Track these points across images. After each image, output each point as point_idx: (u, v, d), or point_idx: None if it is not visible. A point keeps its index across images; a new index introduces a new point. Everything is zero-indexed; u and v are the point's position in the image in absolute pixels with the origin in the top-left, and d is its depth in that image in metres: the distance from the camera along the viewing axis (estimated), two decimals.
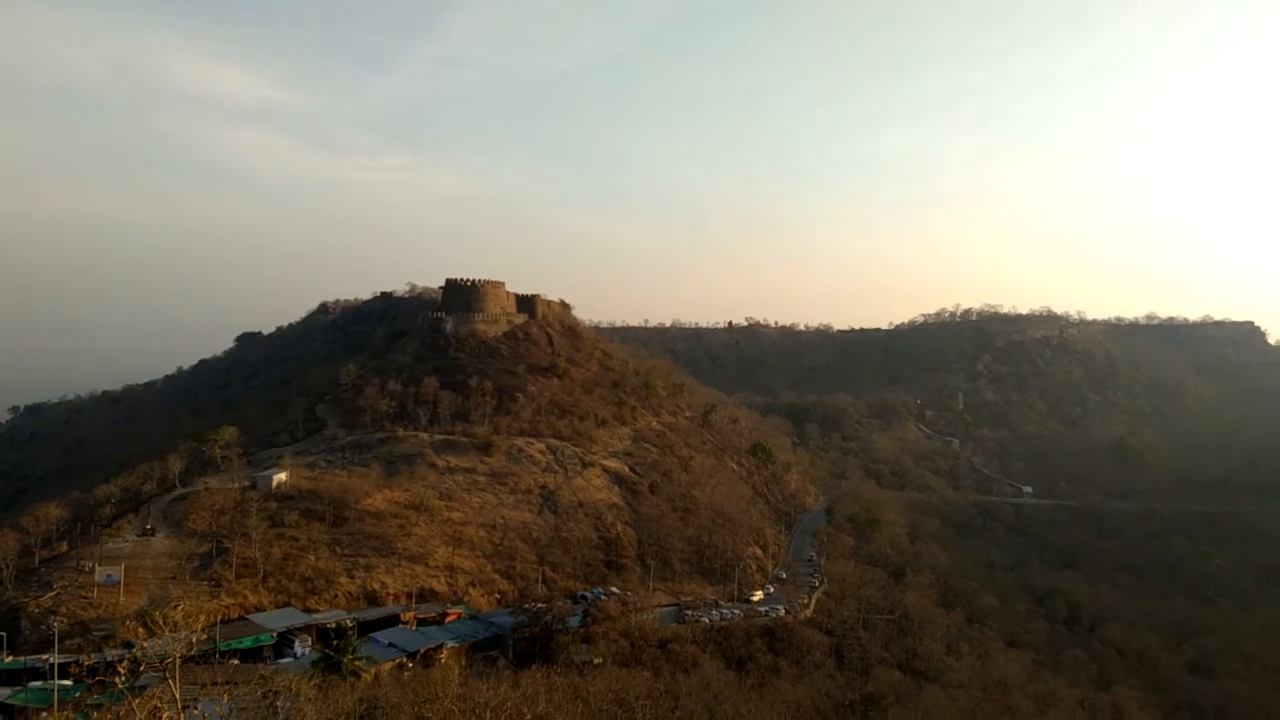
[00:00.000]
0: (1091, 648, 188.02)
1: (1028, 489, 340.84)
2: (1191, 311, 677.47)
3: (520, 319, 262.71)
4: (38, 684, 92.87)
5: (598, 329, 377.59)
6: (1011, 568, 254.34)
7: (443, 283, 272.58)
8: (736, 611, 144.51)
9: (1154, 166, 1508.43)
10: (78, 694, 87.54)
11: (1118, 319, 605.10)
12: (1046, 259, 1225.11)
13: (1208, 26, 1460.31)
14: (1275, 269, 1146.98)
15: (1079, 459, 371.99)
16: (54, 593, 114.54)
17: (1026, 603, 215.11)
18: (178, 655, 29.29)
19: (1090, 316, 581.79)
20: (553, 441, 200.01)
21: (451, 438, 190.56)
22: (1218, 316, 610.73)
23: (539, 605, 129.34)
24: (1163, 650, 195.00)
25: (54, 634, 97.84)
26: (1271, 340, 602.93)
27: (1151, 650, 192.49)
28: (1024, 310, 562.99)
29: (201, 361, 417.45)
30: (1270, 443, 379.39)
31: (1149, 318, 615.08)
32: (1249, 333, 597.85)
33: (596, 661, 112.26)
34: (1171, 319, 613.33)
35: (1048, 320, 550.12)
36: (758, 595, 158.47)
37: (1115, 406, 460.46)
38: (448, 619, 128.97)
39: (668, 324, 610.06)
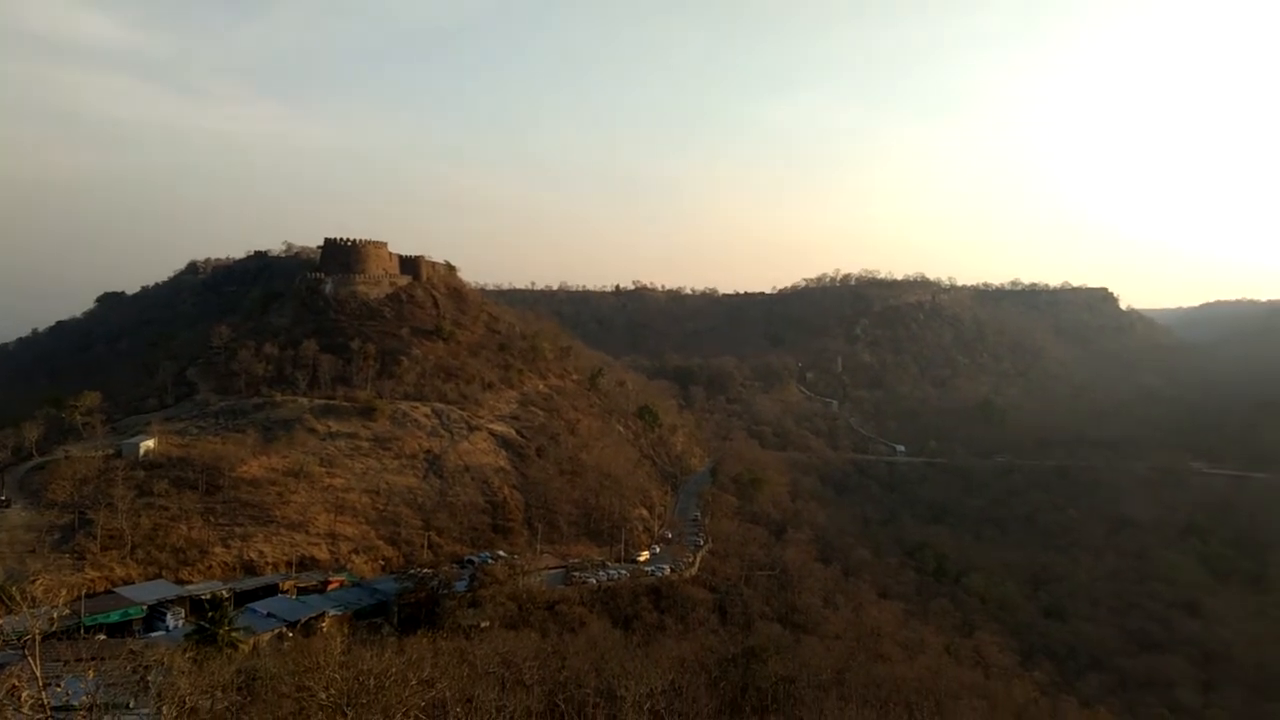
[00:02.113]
0: (957, 597, 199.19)
1: (901, 448, 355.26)
2: (1052, 278, 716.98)
3: (404, 281, 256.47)
4: None
5: (484, 291, 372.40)
6: (885, 523, 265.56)
7: (321, 242, 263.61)
8: (623, 572, 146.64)
9: (1019, 139, 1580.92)
10: None
11: (985, 285, 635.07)
12: (922, 226, 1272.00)
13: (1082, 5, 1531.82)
14: (1128, 239, 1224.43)
15: (948, 418, 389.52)
16: None
17: (898, 556, 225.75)
18: (37, 631, 27.90)
19: (960, 282, 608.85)
20: (438, 405, 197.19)
21: (332, 402, 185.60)
22: (1075, 283, 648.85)
23: (424, 571, 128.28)
24: (1021, 597, 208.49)
25: None
26: (1123, 306, 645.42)
27: (1011, 597, 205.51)
28: (899, 276, 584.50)
29: (59, 323, 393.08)
30: (1118, 401, 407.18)
31: (1014, 284, 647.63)
32: (1103, 299, 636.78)
33: (484, 625, 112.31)
34: (1034, 285, 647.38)
35: (921, 286, 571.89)
36: (644, 555, 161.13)
37: (982, 368, 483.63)
38: (329, 587, 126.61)
39: (555, 287, 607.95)
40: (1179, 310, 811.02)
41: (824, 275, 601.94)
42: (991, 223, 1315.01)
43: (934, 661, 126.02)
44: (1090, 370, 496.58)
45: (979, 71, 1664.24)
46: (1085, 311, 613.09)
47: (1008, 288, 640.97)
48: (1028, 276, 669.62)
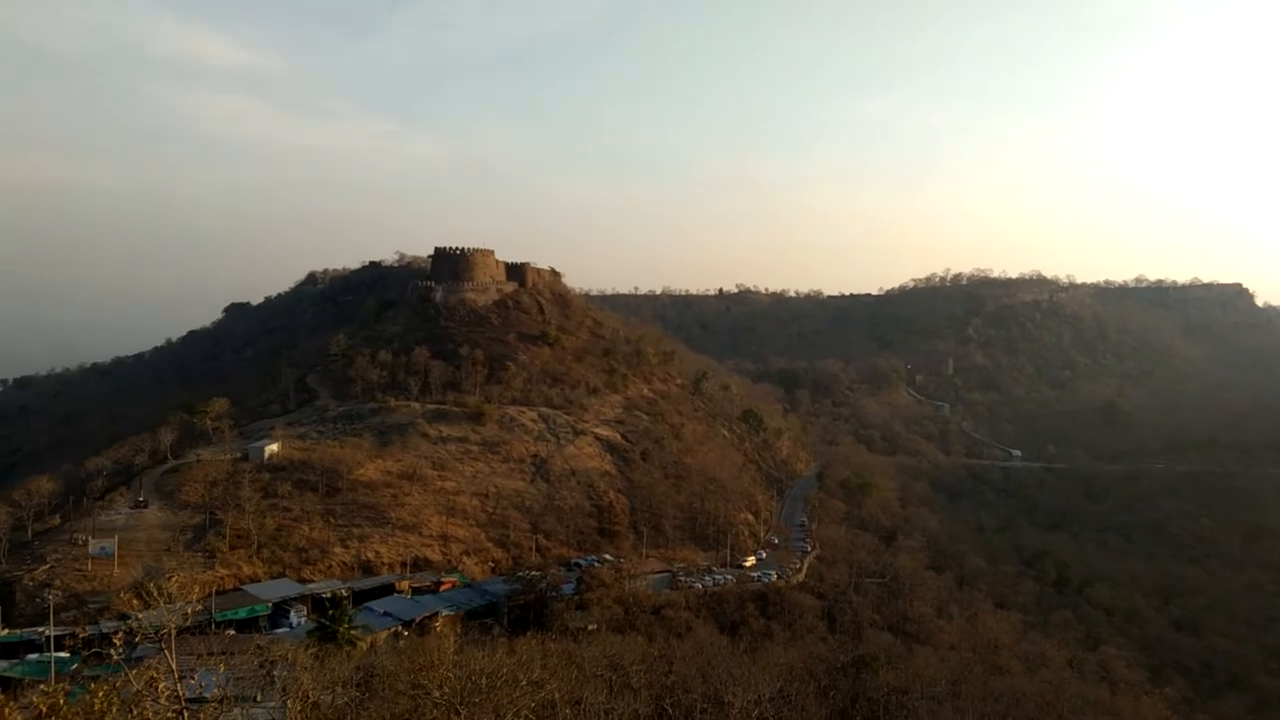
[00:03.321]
0: (1079, 608, 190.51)
1: (1017, 452, 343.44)
2: (1180, 274, 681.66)
3: (510, 287, 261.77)
4: (34, 656, 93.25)
5: (588, 297, 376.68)
6: (1001, 530, 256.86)
7: (431, 251, 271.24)
8: (729, 577, 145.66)
9: (1145, 129, 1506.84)
10: (74, 666, 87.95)
11: (1107, 282, 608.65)
12: (1037, 223, 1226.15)
13: None
14: (1264, 232, 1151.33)
15: (1068, 421, 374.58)
16: (48, 566, 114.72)
17: (1015, 565, 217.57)
18: (173, 626, 29.38)
19: (1080, 280, 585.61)
20: (544, 410, 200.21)
21: (443, 407, 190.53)
22: (1206, 279, 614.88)
23: (533, 573, 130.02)
24: (1149, 610, 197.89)
25: (49, 607, 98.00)
26: (1259, 302, 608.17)
27: (1139, 610, 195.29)
28: (1014, 274, 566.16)
29: (190, 332, 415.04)
30: (1256, 402, 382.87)
31: (1138, 280, 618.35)
32: (1237, 294, 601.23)
33: (591, 628, 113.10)
34: (1160, 282, 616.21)
35: (1037, 284, 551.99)
36: (750, 561, 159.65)
37: (1104, 369, 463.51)
38: (442, 587, 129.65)
39: (658, 291, 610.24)
40: None
41: (933, 275, 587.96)
42: (1112, 218, 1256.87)
43: (1056, 676, 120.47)
44: (1224, 370, 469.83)
45: (1090, 62, 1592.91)
46: (1217, 308, 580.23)
47: (1131, 285, 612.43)
48: (1153, 273, 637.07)
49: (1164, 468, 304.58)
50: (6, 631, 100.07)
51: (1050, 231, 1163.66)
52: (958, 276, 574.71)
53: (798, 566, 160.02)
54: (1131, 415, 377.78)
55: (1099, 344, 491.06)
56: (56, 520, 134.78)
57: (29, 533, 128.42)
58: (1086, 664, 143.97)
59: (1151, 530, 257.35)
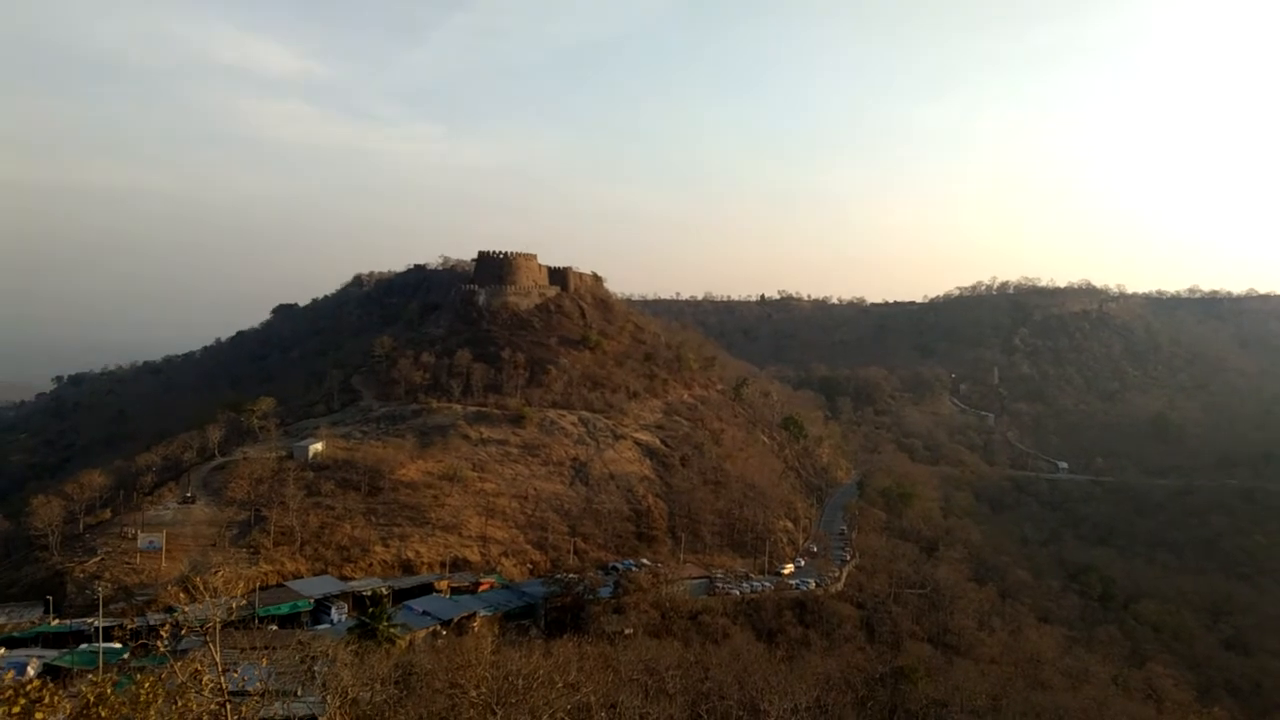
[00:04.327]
0: (1125, 624, 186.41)
1: (1063, 464, 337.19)
2: (1235, 285, 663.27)
3: (552, 291, 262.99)
4: (84, 646, 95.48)
5: (629, 301, 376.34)
6: (1045, 543, 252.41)
7: (475, 255, 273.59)
8: (767, 584, 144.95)
9: (1197, 138, 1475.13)
10: (123, 656, 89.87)
11: (1159, 292, 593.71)
12: (1086, 232, 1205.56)
13: None
14: None
15: (1117, 434, 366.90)
16: (98, 558, 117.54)
17: (1060, 579, 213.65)
18: (218, 620, 29.89)
19: (1131, 290, 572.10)
20: (584, 414, 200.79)
21: (484, 409, 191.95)
22: (1262, 290, 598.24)
23: (570, 575, 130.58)
24: (1198, 627, 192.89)
25: (99, 598, 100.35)
26: None
27: (1187, 627, 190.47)
28: (1062, 283, 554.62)
29: (239, 333, 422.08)
30: None
31: (1191, 291, 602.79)
32: None
33: (627, 632, 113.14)
34: (1215, 292, 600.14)
35: (1087, 294, 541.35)
36: (788, 568, 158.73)
37: (1155, 381, 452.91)
38: (481, 588, 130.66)
39: (699, 297, 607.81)
40: None
41: (979, 283, 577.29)
42: (1165, 227, 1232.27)
43: (1100, 692, 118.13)
44: None
45: (1142, 70, 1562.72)
46: (1274, 320, 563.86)
47: (1184, 295, 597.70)
48: (1207, 283, 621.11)
49: (1216, 483, 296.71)
50: (57, 622, 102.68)
51: (1100, 241, 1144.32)
52: (1004, 285, 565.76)
53: (836, 575, 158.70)
54: (1183, 429, 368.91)
55: (1150, 355, 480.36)
56: (107, 514, 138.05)
57: (80, 525, 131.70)
58: (1132, 681, 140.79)
59: (1202, 546, 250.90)
